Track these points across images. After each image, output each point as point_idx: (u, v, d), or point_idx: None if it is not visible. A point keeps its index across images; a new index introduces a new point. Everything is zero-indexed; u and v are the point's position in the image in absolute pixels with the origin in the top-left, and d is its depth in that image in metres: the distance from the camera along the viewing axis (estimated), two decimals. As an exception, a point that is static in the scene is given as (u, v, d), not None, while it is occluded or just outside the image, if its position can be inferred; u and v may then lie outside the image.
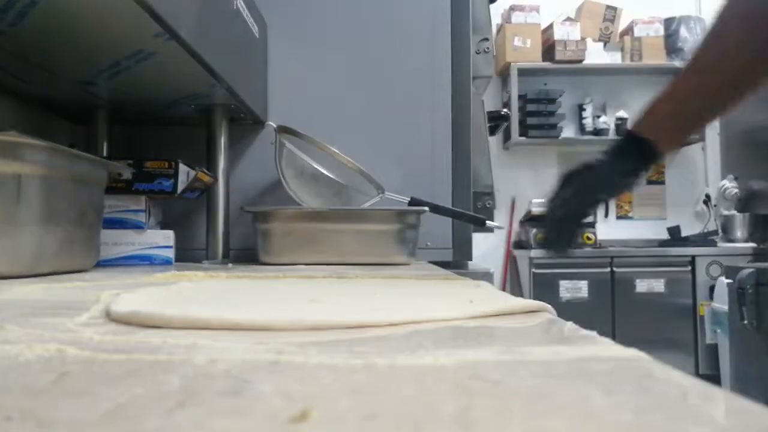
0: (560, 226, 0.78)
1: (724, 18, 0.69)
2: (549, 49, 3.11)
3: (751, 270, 1.77)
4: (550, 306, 0.36)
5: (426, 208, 1.05)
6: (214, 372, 0.21)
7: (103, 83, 0.93)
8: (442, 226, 1.19)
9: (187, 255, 1.15)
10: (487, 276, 1.10)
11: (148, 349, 0.25)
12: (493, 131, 1.64)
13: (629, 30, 3.21)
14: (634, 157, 0.70)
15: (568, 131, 3.22)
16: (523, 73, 3.07)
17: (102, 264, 0.90)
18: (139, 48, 0.77)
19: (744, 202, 3.00)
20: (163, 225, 1.08)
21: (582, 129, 3.23)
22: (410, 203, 1.11)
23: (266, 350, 0.24)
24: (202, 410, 0.17)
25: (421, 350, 0.24)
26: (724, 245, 2.86)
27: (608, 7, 3.22)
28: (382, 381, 0.20)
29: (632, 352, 0.23)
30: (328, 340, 0.28)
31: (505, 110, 2.46)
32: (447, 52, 1.25)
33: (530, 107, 3.09)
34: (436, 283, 0.58)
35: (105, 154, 1.10)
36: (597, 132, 3.21)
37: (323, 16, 1.26)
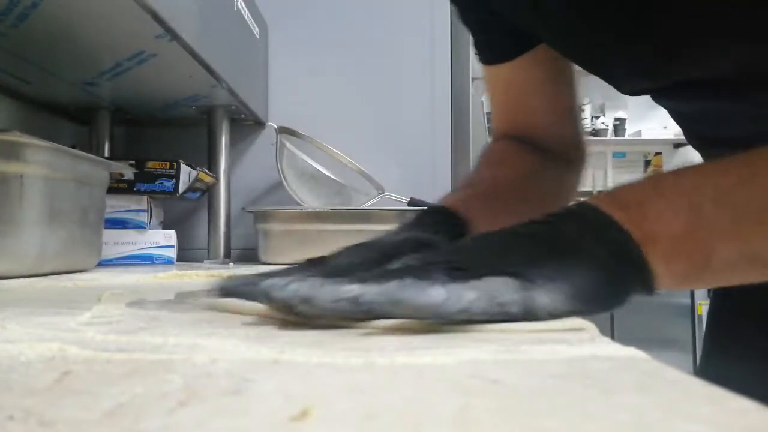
0: None
1: None
2: (549, 50, 3.11)
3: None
4: (591, 324, 0.29)
5: (425, 208, 1.05)
6: (215, 371, 0.21)
7: (104, 84, 0.93)
8: (443, 227, 1.19)
9: (189, 255, 1.15)
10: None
11: (150, 349, 0.25)
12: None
13: (629, 30, 3.20)
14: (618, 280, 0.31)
15: (568, 132, 3.23)
16: (523, 73, 3.07)
17: (103, 264, 0.90)
18: (141, 49, 0.77)
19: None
20: (165, 225, 1.08)
21: (582, 129, 3.23)
22: (410, 203, 1.11)
23: (267, 349, 0.24)
24: (203, 409, 0.17)
25: (420, 349, 0.24)
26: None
27: (609, 7, 3.22)
28: (382, 380, 0.20)
29: (631, 351, 0.24)
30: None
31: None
32: (446, 53, 1.25)
33: (530, 108, 3.09)
34: None
35: (107, 154, 1.10)
36: (595, 133, 3.21)
37: (323, 17, 1.26)
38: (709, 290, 0.55)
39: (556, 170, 0.55)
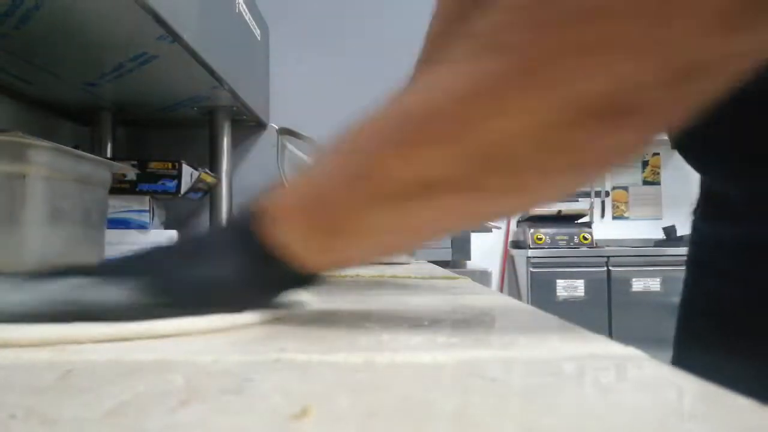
0: None
1: None
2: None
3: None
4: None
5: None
6: (215, 370, 0.21)
7: (106, 85, 0.93)
8: (444, 227, 1.19)
9: (190, 256, 1.16)
10: (485, 275, 1.10)
11: (151, 348, 0.25)
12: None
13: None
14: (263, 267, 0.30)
15: (566, 133, 3.22)
16: (524, 74, 3.07)
17: (105, 265, 0.91)
18: (143, 51, 0.77)
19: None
20: (167, 225, 1.08)
21: (581, 130, 3.23)
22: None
23: (268, 349, 0.24)
24: (205, 408, 0.17)
25: (420, 349, 0.24)
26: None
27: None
28: (382, 379, 0.20)
29: (629, 351, 0.24)
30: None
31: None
32: (449, 53, 1.25)
33: (529, 109, 3.09)
34: None
35: (109, 155, 1.10)
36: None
37: (324, 18, 1.26)
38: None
39: None
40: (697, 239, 0.52)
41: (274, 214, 0.30)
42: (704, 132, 0.39)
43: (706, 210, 0.51)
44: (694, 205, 0.53)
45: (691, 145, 0.46)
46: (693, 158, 0.47)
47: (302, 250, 0.29)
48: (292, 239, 0.29)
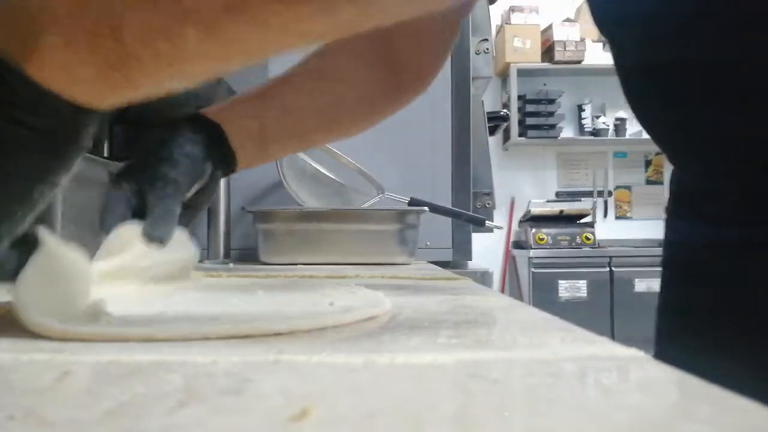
0: None
1: None
2: (548, 50, 3.11)
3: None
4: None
5: (425, 208, 1.05)
6: (215, 371, 0.21)
7: (104, 83, 0.93)
8: (442, 226, 1.19)
9: (188, 255, 1.15)
10: (486, 276, 1.10)
11: (150, 349, 0.25)
12: (492, 132, 1.65)
13: (629, 30, 3.20)
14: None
15: (568, 131, 3.23)
16: (523, 73, 3.08)
17: (103, 264, 0.90)
18: (140, 48, 0.77)
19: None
20: (164, 225, 1.08)
21: (581, 129, 3.23)
22: (410, 203, 1.11)
23: (267, 349, 0.24)
24: (204, 409, 0.17)
25: (420, 349, 0.24)
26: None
27: (608, 7, 3.22)
28: (382, 380, 0.20)
29: (631, 352, 0.24)
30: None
31: (504, 111, 2.46)
32: (447, 53, 1.25)
33: (529, 108, 3.10)
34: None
35: (105, 154, 1.10)
36: (596, 132, 3.20)
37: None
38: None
39: (368, 79, 0.54)
40: (672, 239, 0.51)
41: (32, 31, 0.22)
42: (687, 127, 0.39)
43: (679, 210, 0.51)
44: (666, 205, 0.52)
45: (673, 139, 0.46)
46: (673, 152, 0.47)
47: (84, 85, 0.24)
48: (65, 71, 0.23)
